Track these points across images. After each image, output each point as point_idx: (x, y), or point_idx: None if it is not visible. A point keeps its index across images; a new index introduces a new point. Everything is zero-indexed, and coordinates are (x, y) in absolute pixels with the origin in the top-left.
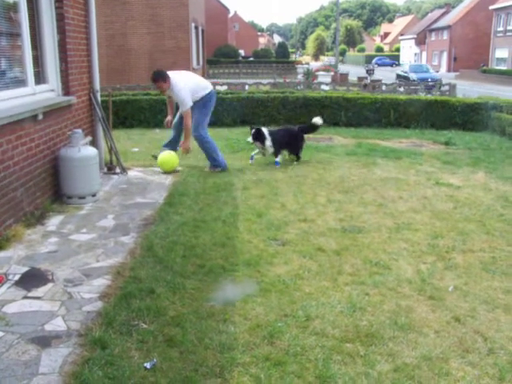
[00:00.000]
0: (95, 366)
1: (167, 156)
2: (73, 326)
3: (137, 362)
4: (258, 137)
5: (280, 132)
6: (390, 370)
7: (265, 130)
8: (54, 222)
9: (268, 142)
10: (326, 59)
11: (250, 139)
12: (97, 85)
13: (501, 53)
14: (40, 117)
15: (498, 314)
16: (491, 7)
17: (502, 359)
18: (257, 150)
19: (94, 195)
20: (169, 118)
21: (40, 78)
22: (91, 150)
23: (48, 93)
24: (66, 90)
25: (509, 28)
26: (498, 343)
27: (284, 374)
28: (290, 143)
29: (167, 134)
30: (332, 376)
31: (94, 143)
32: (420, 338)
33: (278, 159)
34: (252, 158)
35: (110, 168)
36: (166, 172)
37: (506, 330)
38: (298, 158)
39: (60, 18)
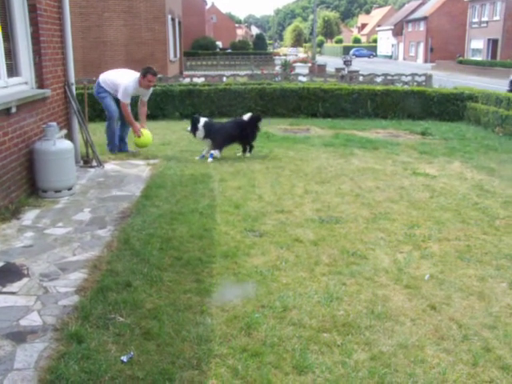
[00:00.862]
0: (71, 361)
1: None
2: (48, 320)
3: (113, 356)
4: (192, 126)
5: (227, 125)
6: (366, 358)
7: (202, 120)
8: (29, 216)
9: (200, 133)
10: (290, 49)
11: (188, 128)
12: (72, 77)
13: (476, 44)
14: (13, 110)
15: (473, 301)
16: None
17: (475, 345)
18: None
19: (70, 189)
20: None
21: (13, 70)
22: (67, 144)
23: (21, 86)
24: (40, 83)
25: (483, 19)
26: (472, 330)
27: (261, 365)
28: (241, 135)
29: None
30: (309, 366)
31: (69, 136)
32: (396, 327)
33: (215, 153)
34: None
35: (86, 161)
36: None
37: (480, 316)
38: (251, 148)
39: (32, 10)
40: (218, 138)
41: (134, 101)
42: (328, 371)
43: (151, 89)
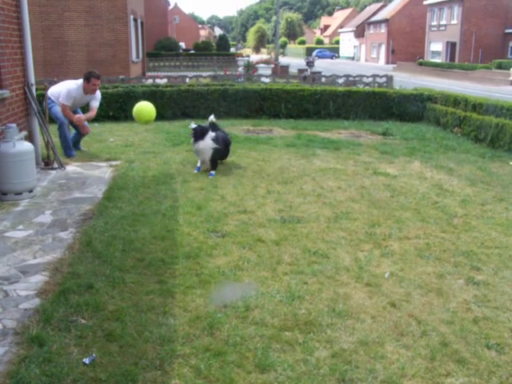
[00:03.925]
0: (32, 364)
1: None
2: (9, 324)
3: (76, 358)
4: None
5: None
6: (328, 355)
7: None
8: None
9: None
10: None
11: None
12: (32, 78)
13: (435, 46)
14: None
15: (431, 298)
16: (425, 2)
17: (433, 340)
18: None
19: (30, 191)
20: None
21: None
22: (27, 145)
23: None
24: None
25: (442, 23)
26: (430, 325)
27: (224, 364)
28: None
29: (106, 128)
30: (271, 364)
31: (29, 138)
32: (357, 324)
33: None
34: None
35: (47, 163)
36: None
37: (438, 312)
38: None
39: None
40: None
41: (86, 110)
42: (290, 369)
43: (99, 94)
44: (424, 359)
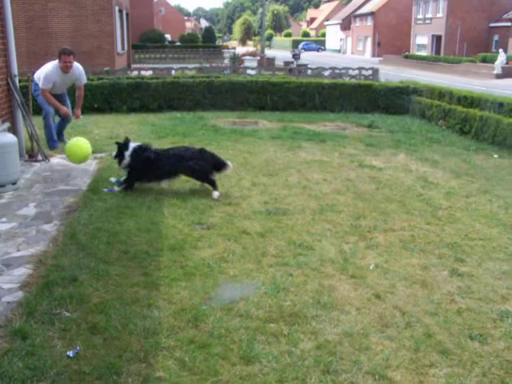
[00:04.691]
0: (15, 358)
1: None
2: None
3: (59, 351)
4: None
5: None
6: (312, 347)
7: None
8: None
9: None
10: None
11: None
12: (14, 69)
13: (421, 39)
14: None
15: (416, 290)
16: None
17: (418, 332)
18: None
19: (14, 183)
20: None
21: None
22: (9, 137)
23: None
24: None
25: (427, 16)
26: (414, 317)
27: (208, 356)
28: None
29: (91, 120)
30: (256, 356)
31: (13, 130)
32: (342, 316)
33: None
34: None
35: (31, 155)
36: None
37: (423, 304)
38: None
39: None
40: None
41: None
42: (275, 361)
43: (80, 70)
44: (408, 350)
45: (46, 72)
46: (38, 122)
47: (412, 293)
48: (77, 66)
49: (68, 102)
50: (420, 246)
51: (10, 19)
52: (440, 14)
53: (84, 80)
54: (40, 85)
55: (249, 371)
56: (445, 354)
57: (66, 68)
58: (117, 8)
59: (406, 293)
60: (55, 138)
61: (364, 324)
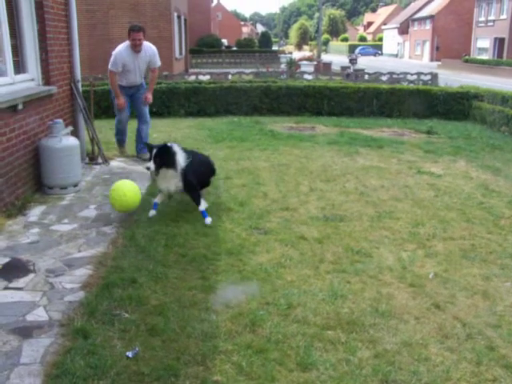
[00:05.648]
0: (77, 356)
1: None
2: (54, 316)
3: (119, 351)
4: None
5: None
6: (370, 356)
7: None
8: (35, 212)
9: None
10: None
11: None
12: (78, 74)
13: (482, 43)
14: (20, 107)
15: (477, 300)
16: None
17: (479, 344)
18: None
19: (75, 185)
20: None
21: (19, 67)
22: (72, 140)
23: (28, 82)
24: (47, 80)
25: (490, 18)
26: (476, 328)
27: (266, 362)
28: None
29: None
30: (313, 363)
31: (75, 133)
32: (400, 325)
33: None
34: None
35: (91, 158)
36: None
37: (484, 315)
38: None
39: (39, 7)
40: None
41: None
42: (332, 368)
43: (152, 50)
44: (469, 363)
45: (115, 52)
46: (98, 125)
47: (473, 303)
48: (149, 46)
49: (142, 99)
50: (481, 255)
51: (75, 28)
52: (504, 16)
53: (158, 62)
54: (109, 66)
55: (306, 378)
56: (509, 368)
57: (135, 46)
58: (175, 14)
59: (467, 303)
60: (124, 138)
61: (423, 334)
